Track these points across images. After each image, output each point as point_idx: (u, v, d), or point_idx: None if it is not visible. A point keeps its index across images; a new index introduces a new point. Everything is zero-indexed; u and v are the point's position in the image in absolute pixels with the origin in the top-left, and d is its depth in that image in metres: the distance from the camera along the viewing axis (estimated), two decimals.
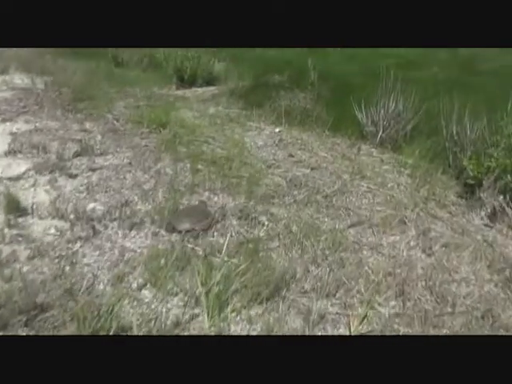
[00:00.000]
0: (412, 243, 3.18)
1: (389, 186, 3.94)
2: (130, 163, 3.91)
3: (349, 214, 3.47)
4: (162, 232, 3.00)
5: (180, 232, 2.96)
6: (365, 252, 3.05)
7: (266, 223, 3.21)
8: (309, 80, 6.18)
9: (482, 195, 3.63)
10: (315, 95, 5.97)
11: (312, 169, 4.10)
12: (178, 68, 6.28)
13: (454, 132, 4.22)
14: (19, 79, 6.11)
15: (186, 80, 6.30)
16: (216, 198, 3.50)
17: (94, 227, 2.95)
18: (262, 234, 3.10)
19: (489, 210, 3.56)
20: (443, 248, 3.15)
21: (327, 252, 2.97)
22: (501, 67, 7.68)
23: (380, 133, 4.71)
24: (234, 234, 3.07)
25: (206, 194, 3.57)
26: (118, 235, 2.93)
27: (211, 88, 6.32)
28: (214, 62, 6.82)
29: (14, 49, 7.58)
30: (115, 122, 4.69)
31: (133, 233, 2.97)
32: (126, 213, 3.13)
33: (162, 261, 2.68)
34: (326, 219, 3.39)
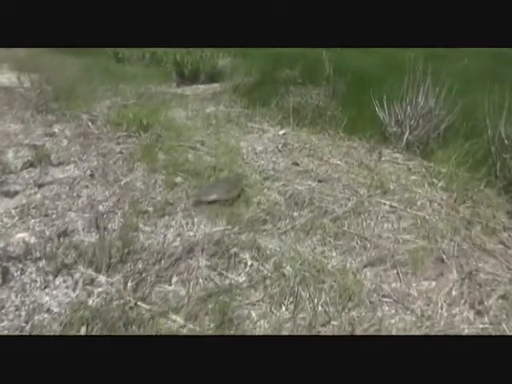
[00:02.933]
0: (454, 293, 2.12)
1: (418, 204, 2.86)
2: (91, 175, 2.95)
3: (365, 247, 2.42)
4: (100, 278, 2.02)
5: (208, 203, 2.67)
6: (386, 308, 2.01)
7: (250, 263, 2.20)
8: (323, 74, 5.11)
9: None
10: (330, 91, 4.89)
11: (320, 181, 3.06)
12: (177, 63, 5.30)
13: (503, 133, 3.09)
14: (6, 78, 5.25)
15: (187, 76, 5.32)
16: (189, 224, 2.51)
17: (6, 271, 2.00)
18: (241, 280, 2.09)
19: None
20: (500, 301, 2.08)
21: (331, 310, 1.94)
22: None
23: (406, 134, 3.61)
24: (201, 280, 2.07)
25: (179, 215, 2.58)
26: (36, 284, 1.97)
27: (214, 85, 5.32)
28: (218, 56, 5.81)
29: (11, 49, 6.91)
30: (90, 123, 3.74)
31: (58, 280, 2.00)
32: (59, 248, 2.17)
33: (83, 330, 1.71)
34: (334, 254, 2.35)
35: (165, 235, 2.40)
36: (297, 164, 3.29)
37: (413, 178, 3.25)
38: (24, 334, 1.72)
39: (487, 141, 3.24)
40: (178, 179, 2.97)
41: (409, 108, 3.68)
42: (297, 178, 3.09)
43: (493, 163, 3.16)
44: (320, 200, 2.82)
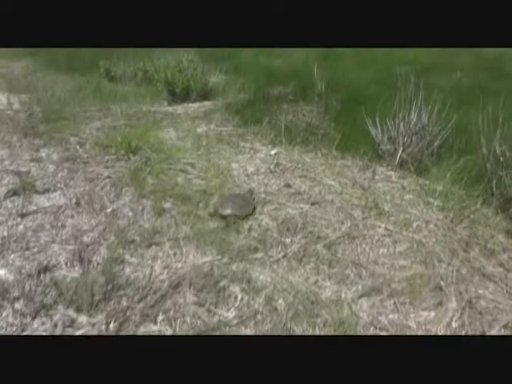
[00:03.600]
0: (454, 324, 1.99)
1: (414, 225, 2.75)
2: (77, 203, 2.82)
3: (360, 275, 2.29)
4: (81, 319, 1.89)
5: (224, 217, 2.69)
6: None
7: (240, 296, 2.07)
8: (315, 91, 5.02)
9: None
10: (323, 108, 4.79)
11: (313, 204, 2.94)
12: (168, 81, 5.19)
13: (498, 150, 2.99)
14: None
15: (179, 95, 5.21)
16: (177, 254, 2.38)
17: None
18: (231, 316, 1.96)
19: None
20: (503, 330, 1.96)
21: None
22: None
23: (400, 152, 3.50)
24: (188, 318, 1.93)
25: (167, 245, 2.45)
26: (12, 328, 1.83)
27: (207, 103, 5.21)
28: (210, 74, 5.71)
29: (5, 68, 6.82)
30: (78, 147, 3.62)
31: (36, 322, 1.86)
32: (39, 286, 2.04)
33: None
34: (328, 283, 2.23)
35: (152, 267, 2.27)
36: (289, 186, 3.17)
37: (408, 197, 3.14)
38: None
39: (482, 158, 3.13)
40: (167, 205, 2.84)
41: (401, 125, 3.58)
42: (289, 200, 2.97)
43: (488, 181, 3.05)
44: (313, 224, 2.70)
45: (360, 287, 2.20)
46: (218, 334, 1.86)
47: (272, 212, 2.81)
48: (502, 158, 2.88)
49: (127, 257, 2.35)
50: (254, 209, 2.83)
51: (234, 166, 3.47)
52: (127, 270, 2.24)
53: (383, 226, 2.71)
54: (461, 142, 3.58)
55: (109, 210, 2.76)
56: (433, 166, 3.42)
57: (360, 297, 2.13)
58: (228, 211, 2.70)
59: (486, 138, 3.05)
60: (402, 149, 3.49)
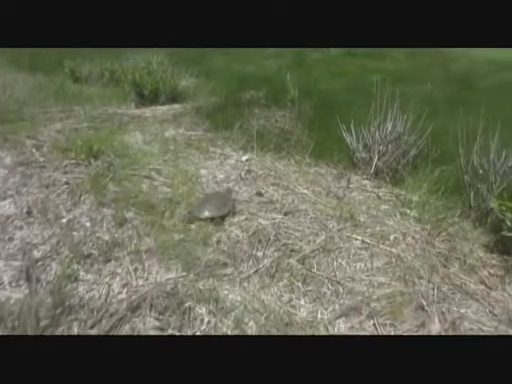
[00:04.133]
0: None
1: (391, 238, 2.59)
2: (29, 212, 2.54)
3: (337, 292, 2.11)
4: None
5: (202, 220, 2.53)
6: None
7: (207, 319, 1.85)
8: (288, 96, 4.85)
9: None
10: (296, 113, 4.63)
11: (286, 214, 2.74)
12: (136, 83, 4.93)
13: (476, 162, 2.87)
14: None
15: (147, 97, 4.95)
16: (138, 270, 2.14)
17: None
18: None
19: None
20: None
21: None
22: (500, 84, 6.40)
23: (375, 160, 3.36)
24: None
25: (128, 259, 2.21)
26: None
27: (176, 106, 4.96)
28: (179, 76, 5.47)
29: None
30: (34, 150, 3.32)
31: None
32: None
33: None
34: (303, 301, 2.04)
35: (109, 285, 2.03)
36: (261, 194, 2.97)
37: (383, 207, 2.99)
38: None
39: (459, 169, 3.01)
40: (129, 214, 2.60)
41: (377, 133, 3.44)
42: (261, 210, 2.77)
43: (466, 193, 2.93)
44: (286, 236, 2.51)
45: (337, 306, 2.02)
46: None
47: (243, 223, 2.60)
48: (480, 171, 2.75)
49: (82, 273, 2.09)
50: (234, 207, 2.70)
51: (203, 172, 3.25)
52: (81, 289, 1.99)
53: (360, 238, 2.54)
54: (436, 151, 3.47)
55: (64, 221, 2.49)
56: (408, 176, 3.29)
57: (337, 318, 1.95)
58: (206, 214, 2.55)
59: (465, 148, 2.93)
60: (377, 157, 3.35)
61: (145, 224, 2.51)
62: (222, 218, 2.59)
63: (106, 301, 1.92)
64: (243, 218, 2.65)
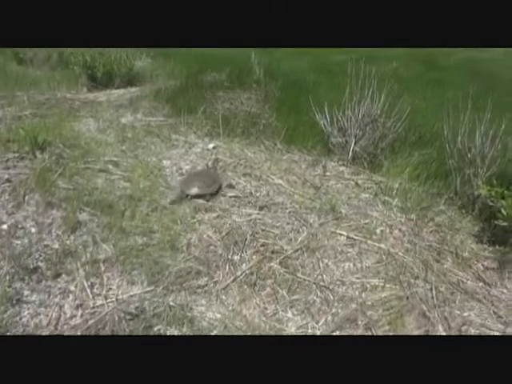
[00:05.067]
0: None
1: (378, 231, 2.33)
2: None
3: (327, 300, 1.83)
4: None
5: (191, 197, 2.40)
6: None
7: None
8: (253, 77, 4.50)
9: None
10: (262, 95, 4.29)
11: (261, 208, 2.43)
12: (88, 65, 4.42)
13: (460, 144, 2.64)
14: None
15: (100, 79, 4.46)
16: (95, 286, 1.78)
17: None
18: None
19: None
20: None
21: None
22: (464, 61, 6.27)
23: (352, 145, 3.08)
24: None
25: (82, 273, 1.83)
26: None
27: (132, 89, 4.50)
28: (135, 57, 4.99)
29: None
30: None
31: None
32: None
33: None
34: (290, 314, 1.74)
35: (60, 307, 1.66)
36: (232, 186, 2.64)
37: (364, 196, 2.73)
38: None
39: (444, 153, 2.78)
40: (83, 216, 2.21)
41: (352, 115, 3.16)
42: (234, 205, 2.44)
43: (452, 178, 2.71)
44: (264, 235, 2.20)
45: (329, 318, 1.74)
46: None
47: (215, 221, 2.27)
48: (469, 155, 2.52)
49: (27, 293, 1.71)
50: (221, 186, 2.55)
51: (166, 163, 2.87)
52: (25, 314, 1.61)
53: (345, 234, 2.26)
54: (414, 134, 3.23)
55: (4, 227, 2.07)
56: (386, 161, 3.04)
57: (331, 332, 1.67)
58: (195, 190, 2.42)
59: (450, 131, 2.70)
60: (354, 141, 3.08)
61: (102, 227, 2.13)
62: (212, 195, 2.46)
63: (55, 327, 1.56)
64: (215, 215, 2.32)
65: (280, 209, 2.45)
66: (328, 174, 2.96)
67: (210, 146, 3.12)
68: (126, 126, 3.49)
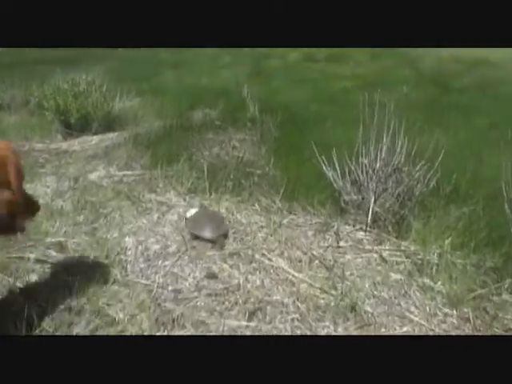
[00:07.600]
0: None
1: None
2: None
3: None
4: None
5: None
6: None
7: None
8: (247, 114, 3.74)
9: None
10: (258, 136, 3.52)
11: (252, 314, 1.62)
12: (61, 110, 3.70)
13: None
14: None
15: (74, 125, 3.73)
16: None
17: None
18: None
19: None
20: None
21: None
22: (478, 84, 5.45)
23: (371, 203, 2.26)
24: None
25: None
26: None
27: (111, 135, 3.75)
28: (120, 95, 4.26)
29: None
30: None
31: None
32: None
33: None
34: None
35: None
36: (214, 276, 1.83)
37: (394, 277, 1.91)
38: None
39: (495, 210, 1.97)
40: None
41: (367, 163, 2.35)
42: (214, 311, 1.63)
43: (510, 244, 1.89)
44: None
45: None
46: None
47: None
48: None
49: None
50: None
51: (129, 241, 2.08)
52: None
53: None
54: (449, 183, 2.41)
55: None
56: (417, 222, 2.22)
57: None
58: (207, 234, 2.06)
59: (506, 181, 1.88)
60: (373, 199, 2.26)
61: None
62: (224, 236, 2.11)
63: None
64: (184, 331, 1.50)
65: (279, 314, 1.64)
66: (342, 244, 2.15)
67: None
68: (92, 184, 2.73)
